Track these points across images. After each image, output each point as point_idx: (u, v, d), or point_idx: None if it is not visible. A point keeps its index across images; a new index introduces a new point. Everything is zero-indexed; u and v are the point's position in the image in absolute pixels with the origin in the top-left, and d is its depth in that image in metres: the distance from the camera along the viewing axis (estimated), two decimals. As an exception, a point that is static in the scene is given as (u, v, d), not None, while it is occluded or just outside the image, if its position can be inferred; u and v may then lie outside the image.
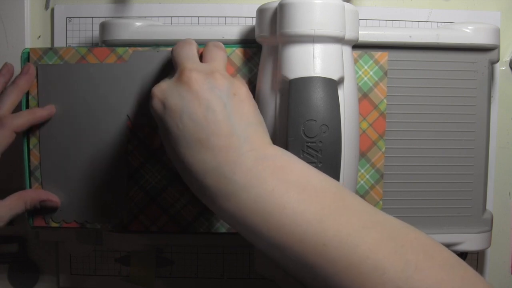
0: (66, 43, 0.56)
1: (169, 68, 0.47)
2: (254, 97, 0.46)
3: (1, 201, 0.45)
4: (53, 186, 0.48)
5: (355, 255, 0.31)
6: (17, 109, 0.46)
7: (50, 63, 0.47)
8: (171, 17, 0.56)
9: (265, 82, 0.44)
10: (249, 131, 0.37)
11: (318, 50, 0.41)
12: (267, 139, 0.38)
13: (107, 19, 0.51)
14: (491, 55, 0.49)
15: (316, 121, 0.39)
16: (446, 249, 0.34)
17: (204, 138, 0.35)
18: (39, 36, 0.57)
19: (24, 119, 0.46)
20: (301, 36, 0.41)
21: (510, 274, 0.60)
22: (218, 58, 0.41)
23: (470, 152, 0.49)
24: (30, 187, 0.48)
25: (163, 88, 0.38)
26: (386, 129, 0.48)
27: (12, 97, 0.46)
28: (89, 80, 0.47)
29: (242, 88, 0.38)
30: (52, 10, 0.56)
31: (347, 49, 0.44)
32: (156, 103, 0.38)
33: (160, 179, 0.48)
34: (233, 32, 0.48)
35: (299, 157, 0.39)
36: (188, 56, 0.40)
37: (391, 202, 0.49)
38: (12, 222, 0.47)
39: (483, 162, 0.50)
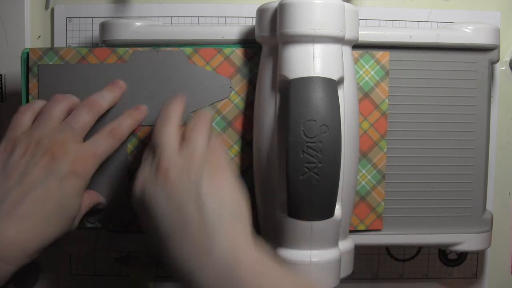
0: (66, 43, 0.56)
1: (169, 68, 0.47)
2: (254, 97, 0.46)
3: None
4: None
5: None
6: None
7: (51, 63, 0.47)
8: (171, 17, 0.56)
9: (265, 82, 0.44)
10: (224, 228, 0.37)
11: (318, 50, 0.41)
12: (241, 237, 0.37)
13: (107, 19, 0.51)
14: (491, 55, 0.49)
15: (316, 121, 0.39)
16: None
17: (178, 237, 0.37)
18: (39, 36, 0.57)
19: (130, 128, 0.45)
20: (301, 36, 0.41)
21: (510, 274, 0.60)
22: (199, 138, 0.39)
23: (470, 152, 0.49)
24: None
25: (144, 178, 0.39)
26: (387, 129, 0.48)
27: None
28: (89, 81, 0.47)
29: (221, 167, 0.39)
30: (52, 10, 0.56)
31: (347, 49, 0.44)
32: (137, 192, 0.39)
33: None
34: (233, 32, 0.48)
35: (299, 157, 0.39)
36: (168, 143, 0.39)
37: (393, 202, 0.49)
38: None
39: (483, 162, 0.50)
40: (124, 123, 0.45)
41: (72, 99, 0.45)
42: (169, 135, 0.40)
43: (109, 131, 0.44)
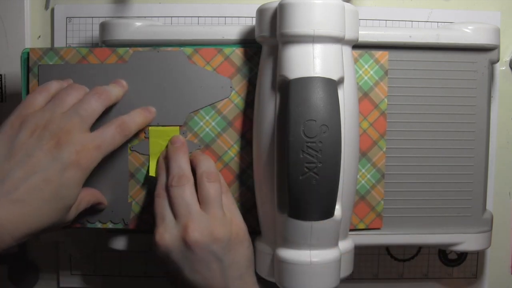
0: (66, 43, 0.56)
1: (170, 68, 0.47)
2: (254, 97, 0.46)
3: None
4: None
5: None
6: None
7: (51, 63, 0.47)
8: (171, 17, 0.56)
9: (265, 82, 0.44)
10: (239, 284, 0.43)
11: (318, 50, 0.41)
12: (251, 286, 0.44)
13: (107, 19, 0.51)
14: (491, 55, 0.49)
15: (316, 121, 0.39)
16: None
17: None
18: (39, 36, 0.57)
19: (138, 126, 0.46)
20: (301, 36, 0.41)
21: (510, 274, 0.60)
22: (214, 197, 0.43)
23: (470, 152, 0.49)
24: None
25: (167, 242, 0.42)
26: (387, 129, 0.48)
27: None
28: (90, 81, 0.47)
29: (238, 226, 0.44)
30: (52, 10, 0.56)
31: (347, 49, 0.44)
32: (161, 254, 0.42)
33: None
34: (233, 32, 0.48)
35: (299, 157, 0.39)
36: (192, 204, 0.43)
37: (392, 202, 0.49)
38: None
39: (483, 162, 0.50)
40: (135, 120, 0.45)
41: (86, 90, 0.45)
42: (191, 196, 0.43)
43: (119, 125, 0.44)
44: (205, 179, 0.43)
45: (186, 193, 0.43)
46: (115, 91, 0.45)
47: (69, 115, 0.42)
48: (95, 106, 0.43)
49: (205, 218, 0.42)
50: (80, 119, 0.42)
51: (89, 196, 0.45)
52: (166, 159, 0.46)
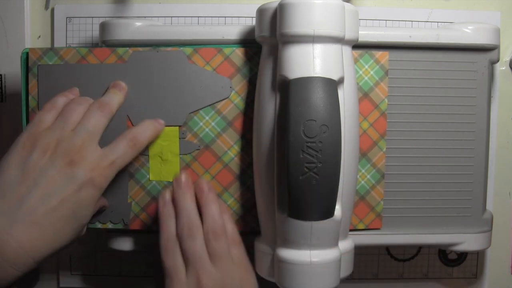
0: (66, 43, 0.56)
1: (169, 68, 0.47)
2: (254, 97, 0.46)
3: None
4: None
5: None
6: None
7: (50, 63, 0.47)
8: (171, 17, 0.56)
9: (265, 82, 0.44)
10: None
11: (318, 50, 0.41)
12: None
13: (107, 19, 0.51)
14: (491, 55, 0.49)
15: (316, 121, 0.39)
16: None
17: None
18: (39, 36, 0.57)
19: (149, 138, 0.45)
20: (301, 36, 0.41)
21: (510, 274, 0.60)
22: (222, 253, 0.42)
23: (470, 152, 0.49)
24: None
25: None
26: (387, 129, 0.48)
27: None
28: (89, 81, 0.47)
29: (249, 282, 0.43)
30: (52, 10, 0.56)
31: (347, 49, 0.44)
32: None
33: (160, 179, 0.48)
34: (233, 32, 0.48)
35: (299, 157, 0.39)
36: (202, 263, 0.41)
37: (392, 202, 0.49)
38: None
39: (483, 162, 0.50)
40: (146, 134, 0.45)
41: (89, 100, 0.45)
42: (202, 248, 0.41)
43: (130, 139, 0.44)
44: (211, 237, 0.42)
45: (197, 246, 0.41)
46: (116, 98, 0.45)
47: (78, 133, 0.42)
48: (101, 120, 0.43)
49: (216, 271, 0.41)
50: (88, 135, 0.42)
51: (98, 205, 0.45)
52: (172, 201, 0.44)
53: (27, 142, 0.42)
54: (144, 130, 0.45)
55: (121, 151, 0.43)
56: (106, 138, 0.46)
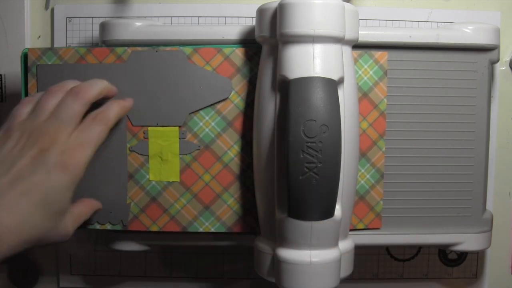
0: (66, 43, 0.56)
1: (169, 68, 0.47)
2: (254, 97, 0.46)
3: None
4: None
5: None
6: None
7: (49, 63, 0.47)
8: (171, 17, 0.56)
9: (265, 82, 0.44)
10: None
11: (318, 50, 0.41)
12: None
13: (107, 19, 0.51)
14: (491, 55, 0.49)
15: (316, 121, 0.39)
16: None
17: None
18: (39, 36, 0.57)
19: (116, 113, 0.45)
20: (301, 36, 0.41)
21: (510, 274, 0.60)
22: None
23: (470, 152, 0.49)
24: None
25: None
26: (386, 129, 0.48)
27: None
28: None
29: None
30: (52, 10, 0.56)
31: (347, 49, 0.44)
32: None
33: (160, 179, 0.48)
34: (233, 32, 0.48)
35: (299, 157, 0.39)
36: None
37: (392, 202, 0.49)
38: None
39: (483, 162, 0.50)
40: (111, 108, 0.44)
41: (67, 87, 0.44)
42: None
43: (94, 117, 0.43)
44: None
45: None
46: (96, 85, 0.44)
47: (49, 122, 0.42)
48: (74, 107, 0.42)
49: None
50: (60, 123, 0.41)
51: (87, 209, 0.45)
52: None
53: (4, 136, 0.42)
54: (108, 106, 0.44)
55: (88, 130, 0.42)
56: (107, 142, 0.46)
